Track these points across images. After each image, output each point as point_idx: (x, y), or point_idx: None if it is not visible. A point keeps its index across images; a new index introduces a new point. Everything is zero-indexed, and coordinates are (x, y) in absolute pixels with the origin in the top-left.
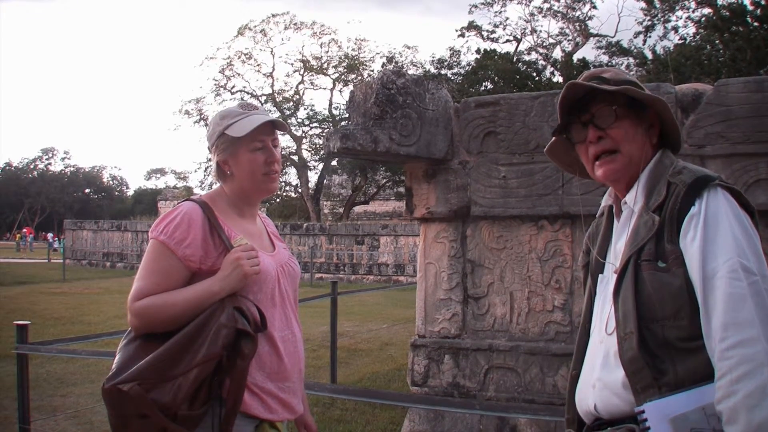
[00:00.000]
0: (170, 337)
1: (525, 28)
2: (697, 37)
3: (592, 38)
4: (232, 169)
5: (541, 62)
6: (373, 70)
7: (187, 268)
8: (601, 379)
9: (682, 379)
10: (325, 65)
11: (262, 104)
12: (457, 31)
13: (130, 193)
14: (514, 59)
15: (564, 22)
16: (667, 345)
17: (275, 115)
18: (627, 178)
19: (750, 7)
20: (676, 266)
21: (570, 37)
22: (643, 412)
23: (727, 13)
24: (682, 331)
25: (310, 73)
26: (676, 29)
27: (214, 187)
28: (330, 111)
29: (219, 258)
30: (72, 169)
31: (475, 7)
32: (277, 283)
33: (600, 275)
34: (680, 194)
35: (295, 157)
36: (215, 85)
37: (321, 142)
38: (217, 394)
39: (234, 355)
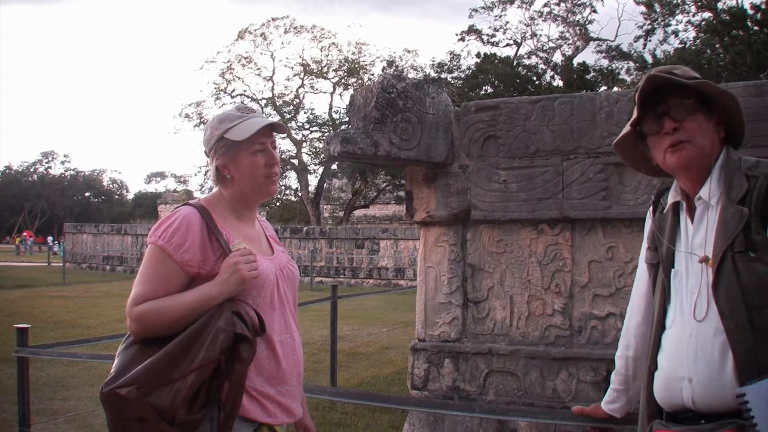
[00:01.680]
0: (169, 342)
1: (525, 32)
2: (698, 41)
3: (592, 42)
4: (231, 173)
5: (542, 66)
6: (373, 74)
7: (185, 272)
8: (701, 373)
9: None
10: (325, 69)
11: (262, 108)
12: (457, 35)
13: (130, 196)
14: (515, 63)
15: (564, 26)
16: (765, 332)
17: (275, 118)
18: (696, 168)
19: (750, 11)
20: (767, 255)
21: (570, 41)
22: (743, 395)
23: (728, 17)
24: None
25: (310, 77)
26: (676, 33)
27: (213, 191)
28: (330, 115)
29: (217, 262)
30: (72, 172)
31: (475, 11)
32: (276, 286)
33: (672, 270)
34: (764, 186)
35: (296, 161)
36: (215, 88)
37: (321, 145)
38: (215, 398)
39: (232, 360)
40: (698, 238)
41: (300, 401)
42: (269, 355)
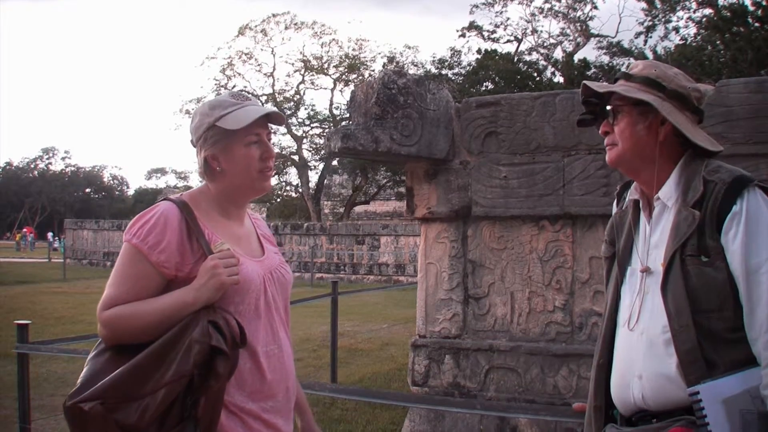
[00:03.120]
0: (143, 350)
1: (526, 29)
2: (698, 37)
3: (593, 38)
4: (222, 165)
5: (542, 62)
6: (373, 70)
7: (161, 274)
8: (649, 370)
9: (729, 365)
10: (325, 65)
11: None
12: (458, 31)
13: (131, 192)
14: (515, 59)
15: (565, 23)
16: (714, 336)
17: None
18: (631, 169)
19: (751, 8)
20: (719, 261)
21: (571, 38)
22: (697, 393)
23: (728, 14)
24: (726, 323)
25: (311, 73)
26: (677, 30)
27: (199, 185)
28: (331, 111)
29: (196, 264)
30: (72, 168)
31: (476, 7)
32: (262, 292)
33: (628, 267)
34: (720, 192)
35: (296, 157)
36: (216, 84)
37: (322, 141)
38: (191, 416)
39: (207, 375)
40: (654, 238)
41: (290, 418)
42: (253, 368)
